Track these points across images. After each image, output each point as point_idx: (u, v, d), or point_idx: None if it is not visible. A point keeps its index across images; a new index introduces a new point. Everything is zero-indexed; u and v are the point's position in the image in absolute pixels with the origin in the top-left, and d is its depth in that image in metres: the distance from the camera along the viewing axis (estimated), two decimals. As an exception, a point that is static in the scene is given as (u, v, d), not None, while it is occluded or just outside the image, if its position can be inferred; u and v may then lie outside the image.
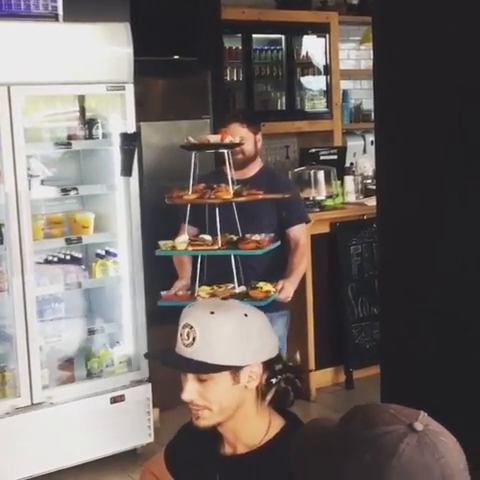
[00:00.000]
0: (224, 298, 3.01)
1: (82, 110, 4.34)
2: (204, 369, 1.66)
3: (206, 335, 1.65)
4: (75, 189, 4.19)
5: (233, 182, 3.41)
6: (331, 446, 1.11)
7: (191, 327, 1.66)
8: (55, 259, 4.27)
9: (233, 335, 1.66)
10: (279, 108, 7.49)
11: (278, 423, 1.74)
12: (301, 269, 3.81)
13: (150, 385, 4.34)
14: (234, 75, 7.26)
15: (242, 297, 3.28)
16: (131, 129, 4.20)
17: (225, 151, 3.47)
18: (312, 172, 5.28)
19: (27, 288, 3.98)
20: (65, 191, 4.17)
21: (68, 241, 4.19)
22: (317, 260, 5.16)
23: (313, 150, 5.89)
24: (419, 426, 1.10)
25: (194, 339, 1.65)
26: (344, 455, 1.09)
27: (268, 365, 1.72)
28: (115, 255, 4.34)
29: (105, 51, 4.10)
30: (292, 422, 1.74)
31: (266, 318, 1.78)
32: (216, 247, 3.29)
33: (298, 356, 1.81)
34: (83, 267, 4.30)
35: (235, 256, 3.37)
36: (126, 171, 4.16)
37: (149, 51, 6.28)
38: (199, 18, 6.71)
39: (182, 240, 3.35)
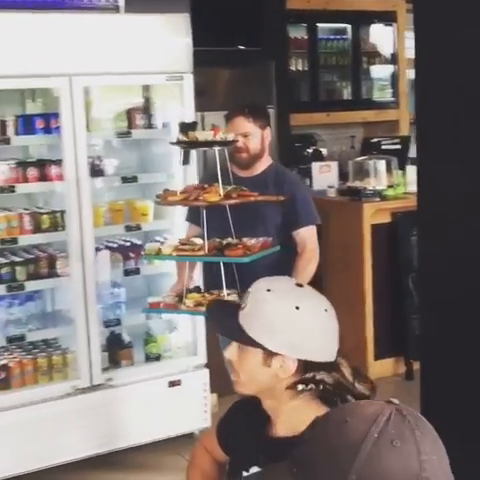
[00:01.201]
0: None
1: (142, 100, 4.43)
2: (237, 336, 1.69)
3: (253, 306, 1.69)
4: (135, 177, 4.29)
5: (229, 182, 3.20)
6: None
7: (249, 293, 1.72)
8: (115, 245, 4.38)
9: (275, 319, 1.66)
10: (345, 98, 7.47)
11: (321, 412, 1.73)
12: (305, 276, 3.44)
13: (208, 370, 4.41)
14: (299, 65, 7.26)
15: None
16: (190, 118, 4.25)
17: (216, 149, 3.20)
18: (372, 162, 5.26)
19: (87, 273, 4.10)
20: (125, 179, 4.27)
21: (128, 228, 4.30)
22: (377, 250, 5.14)
23: (375, 140, 5.86)
24: (396, 401, 1.11)
25: (245, 305, 1.70)
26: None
27: (307, 367, 1.68)
28: (173, 242, 4.41)
29: (164, 42, 4.17)
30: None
31: (333, 324, 1.71)
32: (201, 253, 3.09)
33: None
34: (143, 254, 4.39)
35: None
36: (185, 160, 4.22)
37: (213, 41, 6.35)
38: (264, 8, 6.73)
39: (169, 244, 3.21)
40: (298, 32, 7.17)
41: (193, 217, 3.50)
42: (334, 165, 5.54)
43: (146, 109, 4.38)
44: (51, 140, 4.12)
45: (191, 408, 4.38)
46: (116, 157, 4.40)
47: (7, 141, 3.97)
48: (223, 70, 6.77)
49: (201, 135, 3.20)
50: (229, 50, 6.53)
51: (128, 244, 4.41)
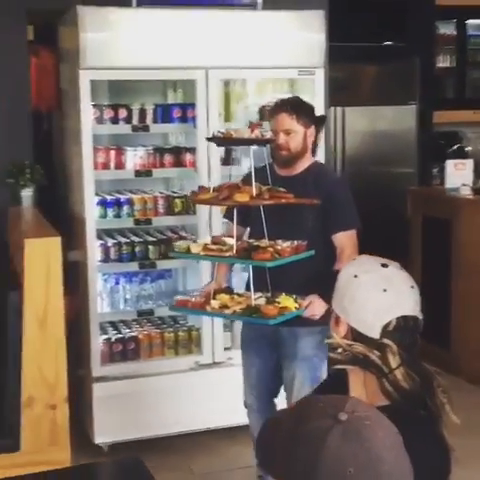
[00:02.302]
0: (233, 311, 2.98)
1: (277, 93, 4.60)
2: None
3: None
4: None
5: (267, 181, 3.13)
6: (276, 440, 1.24)
7: None
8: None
9: (339, 281, 1.82)
10: (494, 95, 7.32)
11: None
12: None
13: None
14: (446, 61, 7.18)
15: (251, 312, 2.99)
16: (319, 112, 4.38)
17: (251, 147, 3.11)
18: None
19: (215, 256, 4.33)
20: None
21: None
22: None
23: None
24: (343, 416, 1.20)
25: None
26: (282, 450, 1.22)
27: (357, 337, 1.76)
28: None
29: (298, 37, 4.31)
30: None
31: (390, 305, 1.73)
32: (228, 254, 2.98)
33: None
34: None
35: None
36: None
37: (358, 37, 6.44)
38: (411, 4, 6.73)
39: (199, 243, 3.13)
40: (446, 28, 7.10)
41: (239, 218, 3.27)
42: (469, 163, 5.47)
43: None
44: (187, 129, 4.39)
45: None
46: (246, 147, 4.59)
47: (146, 128, 4.26)
48: (366, 65, 6.84)
49: (238, 132, 3.09)
50: (372, 46, 6.59)
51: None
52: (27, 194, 4.28)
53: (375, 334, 1.73)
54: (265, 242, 3.03)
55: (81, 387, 4.26)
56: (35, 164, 4.36)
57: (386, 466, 1.18)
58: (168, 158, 4.34)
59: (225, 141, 3.18)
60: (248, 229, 3.47)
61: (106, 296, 4.36)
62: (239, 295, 3.14)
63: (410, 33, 6.73)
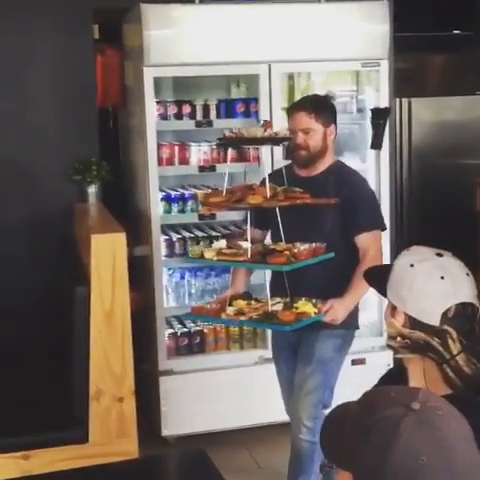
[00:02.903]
0: (250, 318, 2.88)
1: (340, 86, 4.58)
2: (379, 286, 1.87)
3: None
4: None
5: (283, 182, 3.02)
6: (343, 431, 1.25)
7: None
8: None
9: (394, 271, 1.81)
10: None
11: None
12: (363, 287, 3.04)
13: (392, 352, 4.47)
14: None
15: (270, 318, 2.89)
16: (383, 104, 4.34)
17: (264, 147, 3.06)
18: None
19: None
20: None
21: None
22: None
23: None
24: (416, 405, 1.20)
25: None
26: (351, 440, 1.23)
27: (416, 326, 1.75)
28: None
29: (362, 29, 4.27)
30: None
31: (449, 292, 1.73)
32: (242, 259, 2.87)
33: None
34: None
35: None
36: (376, 145, 4.32)
37: (425, 26, 6.34)
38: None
39: (214, 247, 2.99)
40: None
41: (256, 220, 3.21)
42: None
43: (342, 95, 4.51)
44: (249, 123, 4.38)
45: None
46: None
47: (210, 124, 4.29)
48: (432, 55, 6.73)
49: (250, 132, 2.97)
50: (439, 35, 6.48)
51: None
52: (93, 190, 4.35)
53: (435, 321, 1.74)
54: (282, 245, 2.92)
55: (148, 380, 4.32)
56: (101, 161, 4.43)
57: (459, 456, 1.19)
58: (232, 153, 4.35)
59: (237, 141, 3.02)
60: (269, 233, 3.36)
61: (171, 291, 4.41)
62: (257, 301, 3.03)
63: (479, 21, 6.59)
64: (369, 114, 4.38)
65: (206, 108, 4.29)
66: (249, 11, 4.18)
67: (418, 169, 5.95)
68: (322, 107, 3.32)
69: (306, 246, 2.90)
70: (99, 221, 4.00)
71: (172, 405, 4.25)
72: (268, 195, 2.86)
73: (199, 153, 4.32)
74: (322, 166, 3.30)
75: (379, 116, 4.27)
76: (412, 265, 1.77)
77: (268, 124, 2.96)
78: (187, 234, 4.40)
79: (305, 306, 2.92)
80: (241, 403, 4.35)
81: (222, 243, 3.00)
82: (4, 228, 4.40)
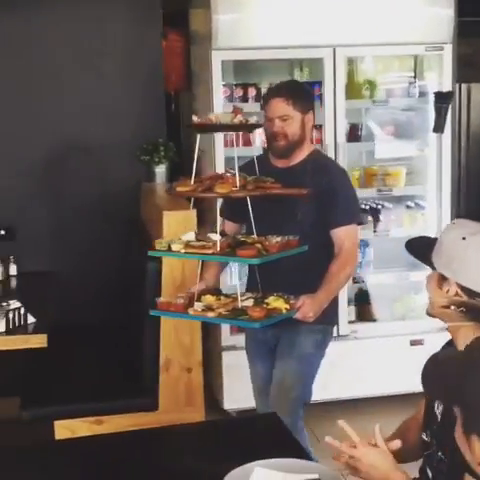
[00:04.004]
0: (219, 314, 2.73)
1: (406, 71, 4.64)
2: (424, 258, 1.96)
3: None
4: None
5: (255, 172, 2.84)
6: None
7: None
8: (367, 207, 4.65)
9: (444, 244, 1.90)
10: None
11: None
12: (337, 282, 3.09)
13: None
14: None
15: (237, 315, 2.73)
16: (446, 88, 4.38)
17: (234, 133, 2.83)
18: None
19: (340, 232, 4.42)
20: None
21: (380, 192, 4.55)
22: None
23: None
24: None
25: None
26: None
27: (470, 295, 1.86)
28: (423, 208, 4.60)
29: (426, 13, 4.32)
30: None
31: None
32: (210, 251, 2.70)
33: None
34: (393, 217, 4.62)
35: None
36: (438, 128, 4.37)
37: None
38: None
39: (183, 239, 2.81)
40: None
41: (228, 212, 3.12)
42: None
43: (404, 78, 4.57)
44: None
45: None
46: (373, 124, 4.65)
47: (274, 107, 4.38)
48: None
49: (220, 117, 2.77)
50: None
51: (379, 207, 4.66)
52: (160, 170, 4.48)
53: None
54: (253, 237, 2.77)
55: (211, 355, 4.46)
56: (168, 142, 4.56)
57: None
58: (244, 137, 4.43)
59: (205, 127, 2.82)
60: (236, 225, 3.25)
61: (234, 268, 4.51)
62: (227, 296, 2.87)
63: None
64: (431, 98, 4.44)
65: (270, 91, 4.37)
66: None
67: (476, 154, 5.95)
68: (300, 93, 3.17)
69: (278, 239, 2.72)
70: (168, 200, 4.12)
71: (234, 380, 4.37)
72: (238, 184, 2.68)
73: (262, 135, 4.40)
74: (300, 156, 3.16)
75: (442, 99, 4.32)
76: (464, 238, 1.86)
77: (237, 111, 2.75)
78: (250, 214, 4.50)
79: (276, 302, 2.77)
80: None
81: (191, 235, 2.82)
82: (74, 207, 4.57)
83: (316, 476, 2.05)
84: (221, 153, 4.30)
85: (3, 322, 3.25)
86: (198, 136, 2.79)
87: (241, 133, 4.39)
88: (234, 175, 2.70)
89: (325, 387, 4.42)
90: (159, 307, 2.86)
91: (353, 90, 4.47)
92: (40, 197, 4.53)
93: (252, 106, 4.38)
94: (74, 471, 2.19)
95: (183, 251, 2.75)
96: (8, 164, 4.47)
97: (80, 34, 4.49)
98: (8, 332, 3.27)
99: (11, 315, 3.29)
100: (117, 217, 4.48)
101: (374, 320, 4.65)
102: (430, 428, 1.99)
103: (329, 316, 3.19)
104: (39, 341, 3.22)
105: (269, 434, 2.44)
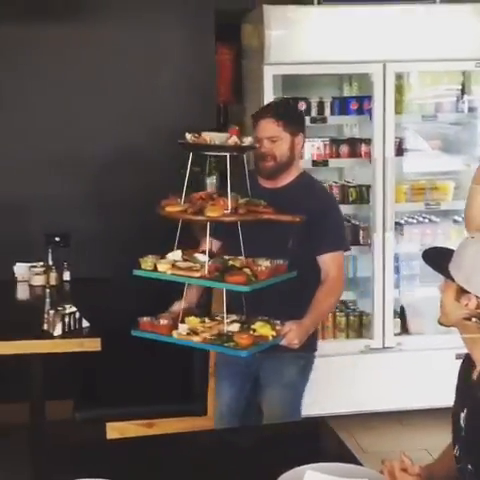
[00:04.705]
0: (204, 339, 2.66)
1: (451, 85, 4.67)
2: (441, 269, 1.97)
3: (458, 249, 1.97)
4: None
5: (247, 193, 2.76)
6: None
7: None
8: (414, 221, 4.69)
9: (461, 255, 1.91)
10: None
11: None
12: (323, 309, 3.05)
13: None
14: None
15: (225, 341, 2.65)
16: (493, 104, 4.42)
17: (227, 155, 2.66)
18: None
19: (387, 245, 4.48)
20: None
21: (428, 206, 4.58)
22: None
23: None
24: None
25: None
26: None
27: None
28: (471, 222, 4.61)
29: (476, 30, 4.36)
30: None
31: None
32: (198, 275, 2.61)
33: None
34: (439, 231, 4.65)
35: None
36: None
37: None
38: None
39: (169, 259, 2.70)
40: None
41: (216, 230, 2.93)
42: None
43: (453, 94, 4.60)
44: (362, 121, 4.55)
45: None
46: (423, 139, 4.70)
47: (324, 120, 4.48)
48: None
49: (215, 137, 2.68)
50: None
51: (426, 221, 4.70)
52: (211, 181, 4.57)
53: None
54: (242, 260, 2.68)
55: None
56: (219, 154, 4.64)
57: None
58: (343, 149, 4.52)
59: (197, 147, 2.70)
60: (220, 242, 3.10)
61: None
62: (211, 318, 2.79)
63: None
64: (480, 113, 4.47)
65: (321, 105, 4.47)
66: (364, 12, 4.33)
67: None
68: (290, 115, 3.14)
69: (267, 263, 2.64)
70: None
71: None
72: (229, 207, 2.60)
73: (312, 148, 4.49)
74: (288, 178, 3.11)
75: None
76: None
77: (233, 131, 2.67)
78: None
79: (263, 328, 2.71)
80: (344, 390, 4.50)
81: (177, 254, 2.71)
82: (127, 214, 4.65)
83: (366, 480, 2.10)
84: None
85: (59, 326, 3.36)
86: (190, 155, 2.71)
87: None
88: (225, 197, 2.62)
89: (370, 399, 4.49)
90: (141, 327, 2.80)
91: (401, 105, 4.52)
92: (94, 204, 4.65)
93: (302, 120, 4.46)
94: (123, 468, 2.23)
95: (169, 272, 2.66)
96: (62, 172, 4.59)
97: (137, 47, 4.61)
98: (64, 336, 3.37)
99: (67, 319, 3.39)
100: (169, 225, 4.56)
101: (419, 333, 4.67)
102: (458, 441, 2.02)
103: (312, 343, 3.15)
104: (93, 345, 3.30)
105: (318, 439, 2.50)
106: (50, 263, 4.29)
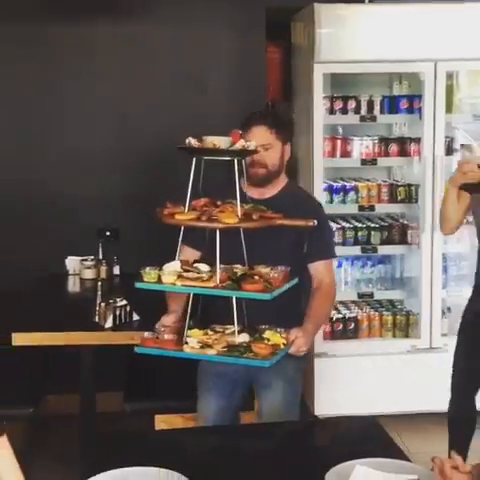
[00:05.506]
0: (219, 351, 2.56)
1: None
2: None
3: None
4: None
5: (246, 200, 2.70)
6: None
7: None
8: (464, 221, 4.64)
9: None
10: None
11: None
12: (322, 315, 3.09)
13: None
14: None
15: (243, 352, 2.56)
16: None
17: (236, 159, 2.54)
18: None
19: (435, 245, 4.46)
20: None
21: (476, 206, 4.54)
22: None
23: None
24: None
25: None
26: None
27: None
28: (521, 223, 4.56)
29: None
30: None
31: None
32: (212, 285, 2.51)
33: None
34: (489, 231, 4.60)
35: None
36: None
37: None
38: None
39: (170, 270, 2.57)
40: None
41: (191, 238, 2.81)
42: None
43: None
44: (412, 120, 4.54)
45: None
46: (473, 138, 4.66)
47: (374, 119, 4.47)
48: None
49: (218, 141, 2.56)
50: None
51: (476, 221, 4.65)
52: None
53: None
54: (244, 268, 2.62)
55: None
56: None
57: None
58: (393, 148, 4.52)
59: (202, 152, 2.59)
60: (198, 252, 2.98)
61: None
62: (213, 330, 2.71)
63: None
64: None
65: (370, 104, 4.47)
66: (414, 10, 4.31)
67: None
68: (283, 123, 3.13)
69: (269, 271, 2.58)
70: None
71: (325, 386, 4.45)
72: (239, 214, 2.52)
73: (361, 147, 4.50)
74: (276, 188, 3.09)
75: None
76: None
77: (236, 134, 2.58)
78: (346, 224, 4.59)
79: (274, 337, 2.64)
80: (390, 390, 4.49)
81: (176, 265, 2.59)
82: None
83: (415, 477, 2.11)
84: (320, 163, 4.39)
85: (111, 318, 3.43)
86: (194, 160, 2.61)
87: (339, 143, 4.51)
88: (229, 203, 2.57)
89: (416, 399, 4.48)
90: (146, 344, 2.67)
91: (452, 104, 4.49)
92: (142, 199, 4.71)
93: (352, 118, 4.47)
94: (171, 458, 2.21)
95: (179, 284, 2.53)
96: (112, 167, 4.67)
97: (188, 46, 4.66)
98: (114, 328, 3.44)
99: (118, 312, 3.46)
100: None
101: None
102: None
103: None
104: (143, 338, 3.36)
105: (367, 435, 2.51)
106: (100, 257, 4.37)
